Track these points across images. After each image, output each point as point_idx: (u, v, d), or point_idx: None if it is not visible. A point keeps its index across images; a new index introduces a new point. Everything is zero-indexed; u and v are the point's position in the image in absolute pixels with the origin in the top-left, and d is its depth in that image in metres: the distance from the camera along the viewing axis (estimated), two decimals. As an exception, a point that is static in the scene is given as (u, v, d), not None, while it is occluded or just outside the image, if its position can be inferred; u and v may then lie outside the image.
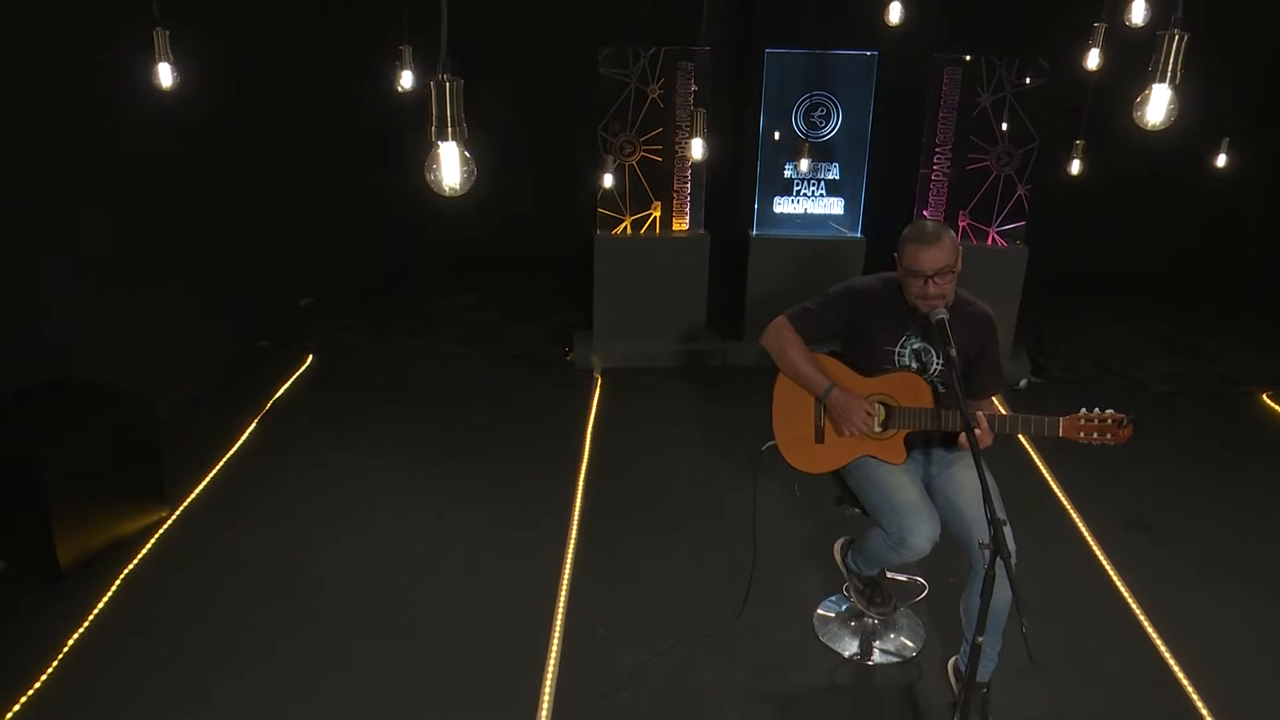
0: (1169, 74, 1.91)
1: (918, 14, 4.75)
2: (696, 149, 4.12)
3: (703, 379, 5.98)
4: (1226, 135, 5.16)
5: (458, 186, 1.76)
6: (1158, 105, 2.00)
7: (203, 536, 4.19)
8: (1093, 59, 3.80)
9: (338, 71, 6.40)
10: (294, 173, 6.52)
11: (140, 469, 4.15)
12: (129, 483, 4.11)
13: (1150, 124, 2.06)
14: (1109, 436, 2.94)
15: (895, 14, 3.88)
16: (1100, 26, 3.68)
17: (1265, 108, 6.85)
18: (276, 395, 5.54)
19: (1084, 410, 2.96)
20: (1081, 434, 2.96)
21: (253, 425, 5.17)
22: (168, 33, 3.62)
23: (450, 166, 1.73)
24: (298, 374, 5.84)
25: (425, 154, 1.82)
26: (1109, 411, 2.94)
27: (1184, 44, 1.86)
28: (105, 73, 4.31)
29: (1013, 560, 2.88)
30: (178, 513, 4.34)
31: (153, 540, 4.14)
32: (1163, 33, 1.87)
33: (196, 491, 4.52)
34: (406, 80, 4.79)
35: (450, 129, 1.70)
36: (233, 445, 4.94)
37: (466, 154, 1.73)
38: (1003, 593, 2.72)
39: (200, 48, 4.92)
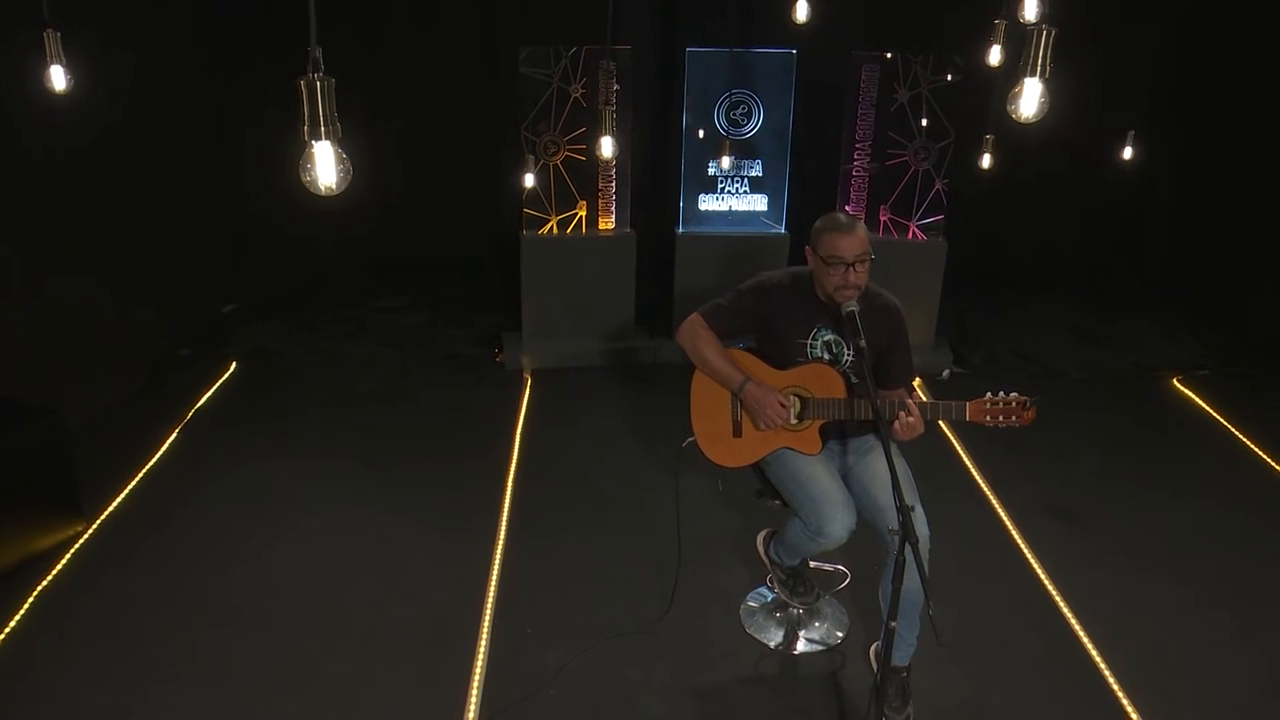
0: (1039, 68, 1.98)
1: (830, 13, 4.83)
2: (606, 147, 4.13)
3: (632, 377, 6.00)
4: (1131, 128, 5.31)
5: (334, 186, 1.75)
6: (1030, 98, 2.07)
7: (121, 549, 4.10)
8: (994, 55, 3.90)
9: (259, 70, 6.30)
10: (212, 176, 6.41)
11: (51, 483, 4.04)
12: (39, 498, 4.00)
13: (1023, 116, 2.13)
14: (1014, 419, 3.02)
15: (802, 12, 3.94)
16: (1001, 23, 3.78)
17: (1169, 100, 7.08)
18: (198, 403, 5.44)
19: (989, 394, 3.04)
20: (988, 417, 3.03)
21: (173, 434, 5.06)
22: (59, 34, 3.53)
23: (325, 166, 1.72)
24: (220, 381, 5.73)
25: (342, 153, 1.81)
26: (1013, 394, 3.02)
27: (1052, 39, 1.93)
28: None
29: (924, 545, 2.96)
30: (95, 526, 4.25)
31: (68, 555, 4.04)
32: (1032, 28, 1.93)
33: (115, 504, 4.42)
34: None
35: (323, 128, 1.69)
36: (152, 455, 4.84)
37: (341, 153, 1.72)
38: (915, 577, 2.77)
39: (108, 49, 4.83)
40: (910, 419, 2.99)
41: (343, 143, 1.75)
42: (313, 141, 1.70)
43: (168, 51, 5.79)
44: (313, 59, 1.65)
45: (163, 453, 4.90)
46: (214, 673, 3.41)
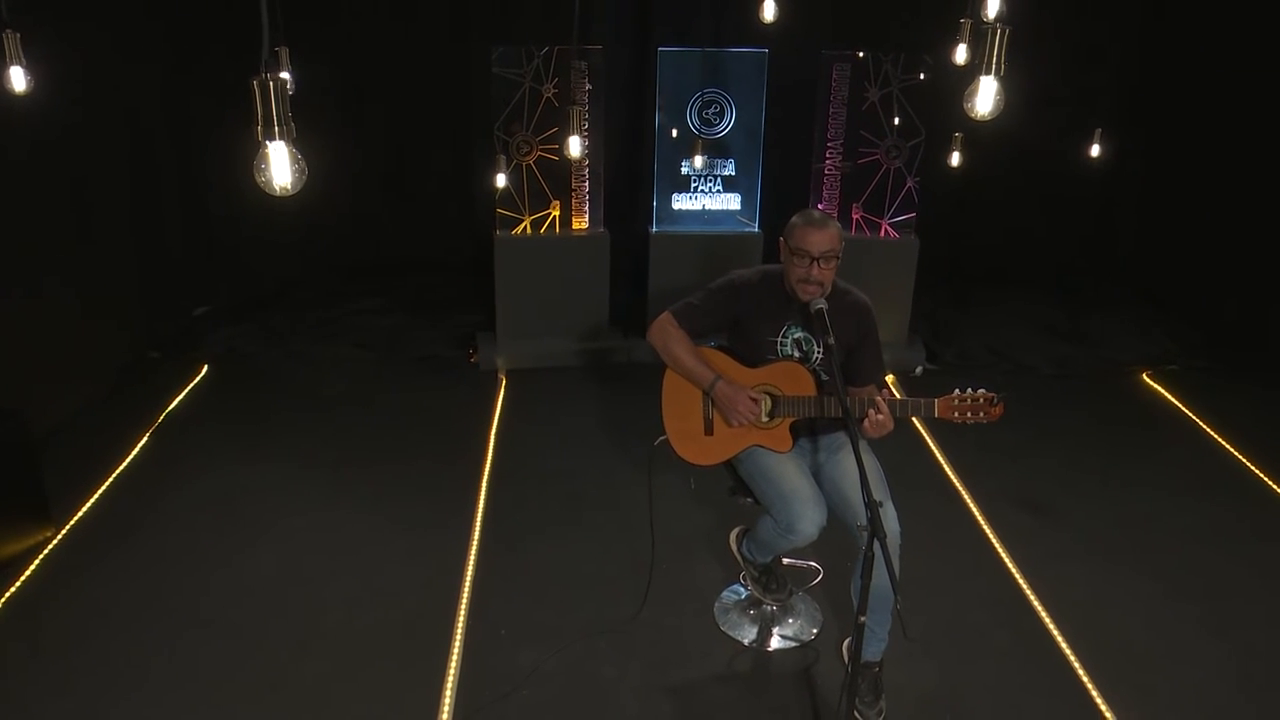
0: (994, 67, 2.00)
1: (801, 12, 4.84)
2: (574, 146, 4.14)
3: (606, 376, 6.00)
4: (1099, 126, 5.37)
5: (289, 186, 1.74)
6: (985, 96, 2.10)
7: (91, 555, 4.06)
8: (960, 54, 3.93)
9: (226, 70, 6.26)
10: (182, 177, 6.36)
11: (18, 488, 4.00)
12: (6, 504, 3.95)
13: (979, 114, 2.16)
14: (981, 415, 3.05)
15: (770, 11, 3.95)
16: (966, 22, 3.81)
17: (1137, 98, 7.16)
18: (169, 407, 5.39)
19: (957, 391, 3.06)
20: (956, 414, 3.05)
21: (144, 439, 5.02)
22: (18, 35, 3.49)
23: (280, 166, 1.71)
24: (192, 384, 5.69)
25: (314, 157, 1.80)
26: (980, 391, 3.05)
27: (1006, 38, 1.95)
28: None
29: (895, 541, 2.99)
30: (64, 532, 4.20)
31: (36, 562, 3.99)
32: (986, 27, 1.96)
33: (84, 509, 4.38)
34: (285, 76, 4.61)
35: (277, 128, 1.68)
36: (122, 460, 4.80)
37: (296, 152, 1.71)
38: (884, 572, 2.79)
39: (69, 49, 4.78)
40: (879, 416, 3.01)
41: (299, 143, 1.74)
42: (266, 142, 1.69)
43: (131, 51, 5.73)
44: (264, 59, 1.64)
45: (133, 457, 4.86)
46: (185, 678, 3.39)
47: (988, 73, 2.02)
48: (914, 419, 5.20)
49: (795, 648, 3.63)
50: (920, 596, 3.80)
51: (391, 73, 6.93)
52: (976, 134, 5.26)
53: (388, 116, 7.09)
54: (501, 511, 4.48)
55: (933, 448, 5.08)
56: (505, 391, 5.76)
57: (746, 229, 6.15)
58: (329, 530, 4.30)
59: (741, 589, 3.80)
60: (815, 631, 3.69)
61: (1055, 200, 7.44)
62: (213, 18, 6.00)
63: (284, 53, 4.15)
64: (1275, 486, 4.78)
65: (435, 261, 7.44)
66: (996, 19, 1.93)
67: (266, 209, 6.66)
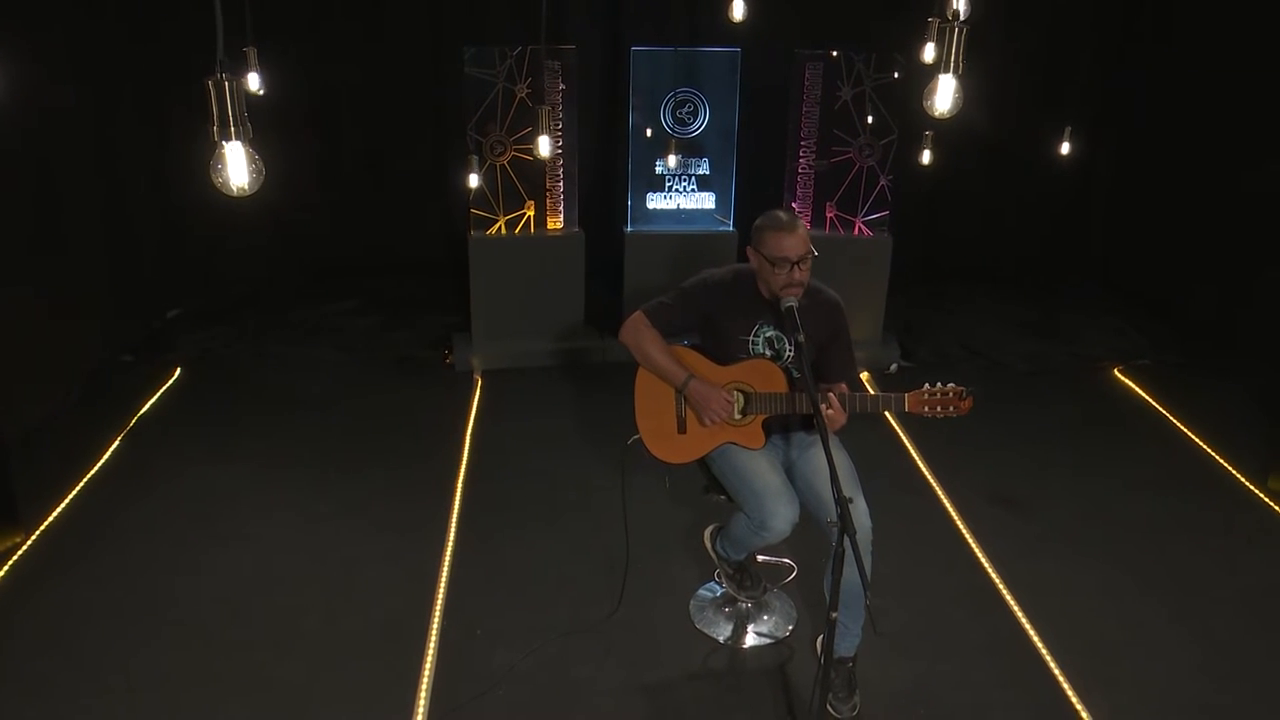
0: (952, 65, 2.02)
1: (774, 12, 4.86)
2: (543, 146, 4.14)
3: (582, 376, 6.00)
4: (1068, 124, 5.42)
5: (246, 186, 1.73)
6: (944, 94, 2.11)
7: (61, 560, 4.03)
8: (928, 53, 3.95)
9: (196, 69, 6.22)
10: (156, 179, 6.31)
11: (-14, 494, 3.97)
12: (-26, 508, 3.92)
13: (939, 112, 2.17)
14: (951, 409, 3.07)
15: (739, 11, 3.96)
16: (934, 21, 3.83)
17: (1108, 96, 7.23)
18: (141, 410, 5.35)
19: (927, 385, 3.08)
20: (926, 408, 3.08)
21: (116, 442, 4.98)
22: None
23: (237, 167, 1.70)
24: (164, 387, 5.64)
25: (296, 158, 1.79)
26: (950, 385, 3.07)
27: (964, 36, 1.97)
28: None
29: (866, 537, 3.00)
30: (34, 537, 4.16)
31: (6, 567, 3.96)
32: (944, 26, 1.97)
33: (54, 514, 4.34)
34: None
35: (233, 128, 1.67)
36: (94, 464, 4.76)
37: (253, 152, 1.71)
38: (856, 568, 2.81)
39: (35, 48, 4.74)
40: (829, 411, 3.03)
41: (266, 144, 1.74)
42: (222, 142, 1.68)
43: (100, 52, 5.68)
44: (219, 59, 1.63)
45: (104, 461, 4.82)
46: (158, 682, 3.36)
47: (946, 71, 2.04)
48: (889, 415, 5.24)
49: (770, 644, 3.64)
50: (894, 592, 3.83)
51: (366, 73, 6.91)
52: (949, 132, 5.30)
53: (363, 117, 7.06)
54: (477, 512, 4.47)
55: (907, 444, 5.11)
56: (481, 392, 5.75)
57: (722, 228, 6.17)
58: (304, 532, 4.28)
59: (717, 587, 3.80)
60: (790, 628, 3.71)
61: (1028, 197, 7.51)
62: (183, 16, 5.96)
63: (251, 53, 4.13)
64: (1242, 480, 4.85)
65: (411, 262, 7.41)
66: (952, 17, 1.93)
67: (240, 210, 6.64)
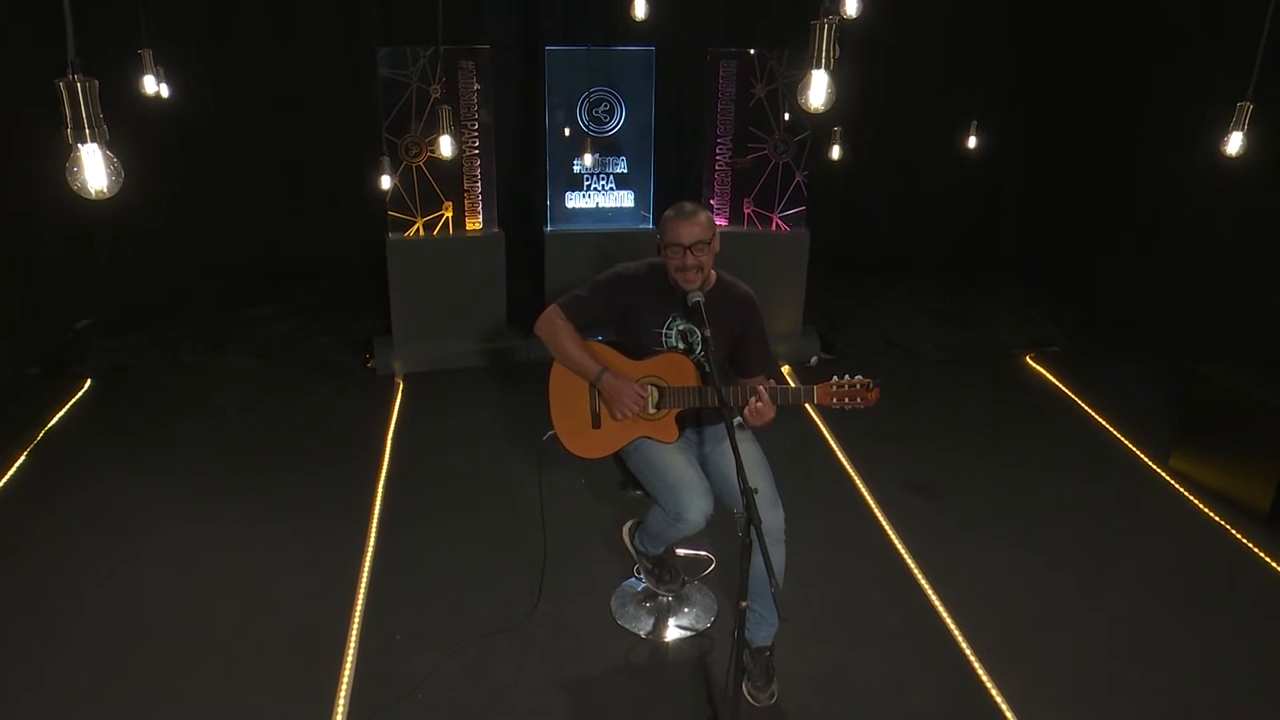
0: (824, 60, 2.06)
1: (687, 9, 4.89)
2: (445, 146, 4.12)
3: (506, 376, 5.98)
4: (974, 117, 5.55)
5: (105, 189, 1.70)
6: (817, 90, 2.16)
7: (-39, 580, 3.90)
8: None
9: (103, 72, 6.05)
10: (59, 184, 6.10)
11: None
12: None
13: (813, 107, 2.22)
14: (859, 400, 3.13)
15: (640, 9, 3.98)
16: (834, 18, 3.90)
17: (1015, 87, 7.42)
18: (49, 425, 5.19)
19: (835, 378, 3.14)
20: (834, 400, 3.13)
21: (20, 458, 4.82)
22: None
23: (94, 169, 1.66)
24: (73, 400, 5.48)
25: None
26: (857, 377, 3.13)
27: (834, 32, 2.02)
28: None
29: (779, 528, 3.05)
30: (-67, 558, 4.02)
31: (-97, 589, 3.82)
32: (815, 22, 2.02)
33: (-45, 534, 4.20)
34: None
35: (88, 130, 1.63)
36: (-3, 482, 4.62)
37: (110, 154, 1.67)
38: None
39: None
40: (759, 404, 3.07)
41: (113, 144, 1.68)
42: (78, 144, 1.64)
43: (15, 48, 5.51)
44: (71, 60, 1.60)
45: (9, 477, 4.66)
46: (62, 700, 3.27)
47: (817, 66, 2.09)
48: (809, 408, 5.31)
49: (691, 637, 3.68)
50: (812, 579, 3.90)
51: (277, 74, 6.79)
52: (861, 128, 5.41)
53: (276, 119, 6.93)
54: (397, 516, 4.43)
55: (827, 435, 5.19)
56: (403, 396, 5.69)
57: (642, 225, 6.20)
58: (217, 542, 4.19)
59: (637, 582, 3.83)
60: (711, 620, 3.75)
61: (941, 191, 7.67)
62: (91, 16, 5.79)
63: (148, 55, 4.03)
64: (1145, 459, 5.02)
65: (329, 266, 7.31)
66: (823, 14, 1.98)
67: (151, 216, 6.48)
